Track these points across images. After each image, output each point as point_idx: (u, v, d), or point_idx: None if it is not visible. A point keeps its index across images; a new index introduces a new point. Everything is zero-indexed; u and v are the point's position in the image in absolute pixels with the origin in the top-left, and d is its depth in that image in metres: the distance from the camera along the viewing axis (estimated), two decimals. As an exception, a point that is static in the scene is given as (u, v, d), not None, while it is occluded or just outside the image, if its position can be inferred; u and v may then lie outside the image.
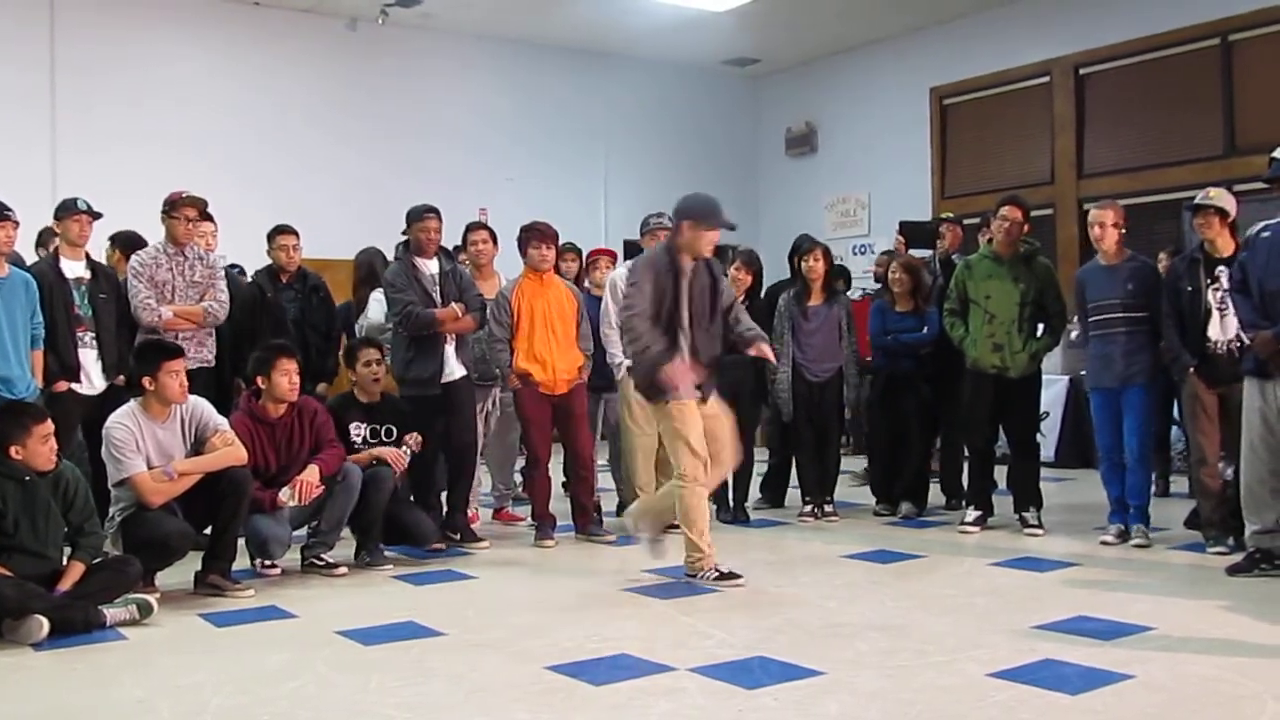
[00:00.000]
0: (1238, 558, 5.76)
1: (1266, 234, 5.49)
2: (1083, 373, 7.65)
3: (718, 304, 5.77)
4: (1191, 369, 6.15)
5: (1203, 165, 10.58)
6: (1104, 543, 6.48)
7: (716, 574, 5.60)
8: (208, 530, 5.56)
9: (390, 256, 7.08)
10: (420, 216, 6.70)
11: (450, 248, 7.12)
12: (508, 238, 7.33)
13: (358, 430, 6.35)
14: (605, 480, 7.81)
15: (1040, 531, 6.85)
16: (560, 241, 7.16)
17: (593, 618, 5.05)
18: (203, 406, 5.63)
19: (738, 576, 5.59)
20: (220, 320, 6.62)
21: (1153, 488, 7.02)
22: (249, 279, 7.57)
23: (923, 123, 13.35)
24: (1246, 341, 5.69)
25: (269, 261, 7.34)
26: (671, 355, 5.54)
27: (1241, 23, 10.65)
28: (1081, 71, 11.97)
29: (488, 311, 6.84)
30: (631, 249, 7.94)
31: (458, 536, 6.75)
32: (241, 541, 5.77)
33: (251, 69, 11.95)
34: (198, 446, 5.55)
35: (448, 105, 13.03)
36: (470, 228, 7.56)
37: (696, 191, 5.81)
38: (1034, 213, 7.34)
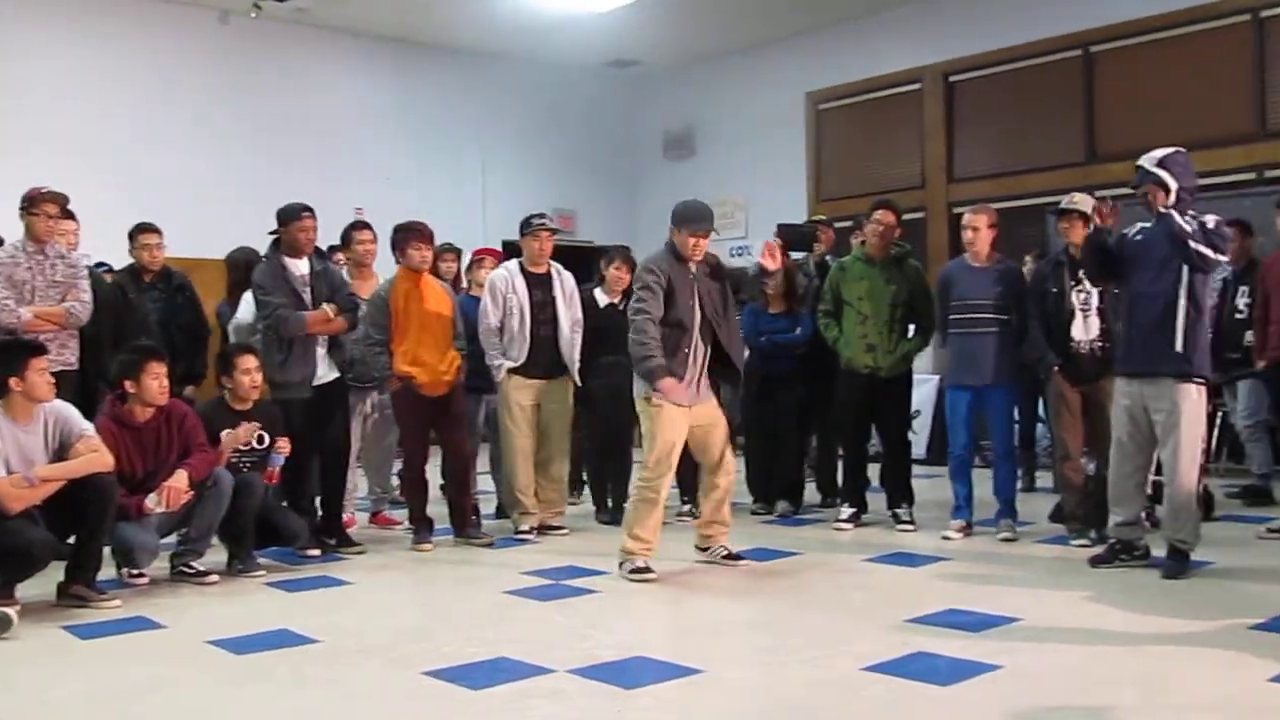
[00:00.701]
0: (1100, 549, 5.96)
1: (1139, 237, 5.68)
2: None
3: (729, 303, 5.98)
4: (1057, 368, 6.36)
5: (1065, 171, 10.91)
6: (946, 538, 6.65)
7: (633, 568, 5.73)
8: (71, 539, 5.36)
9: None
10: (297, 216, 6.56)
11: (325, 247, 7.01)
12: (384, 237, 7.24)
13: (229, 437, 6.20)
14: (485, 483, 7.77)
15: (912, 527, 7.00)
16: (436, 241, 7.09)
17: (471, 621, 5.02)
18: (67, 411, 5.44)
19: (649, 571, 5.71)
20: (83, 321, 6.41)
21: (1019, 483, 7.25)
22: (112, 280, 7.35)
23: (799, 127, 13.54)
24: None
25: (131, 261, 7.14)
26: (669, 369, 5.67)
27: (1101, 35, 11.03)
28: (951, 79, 12.27)
29: (361, 313, 6.74)
30: (511, 249, 7.90)
31: (333, 542, 6.64)
32: (107, 550, 5.58)
33: (119, 61, 11.57)
34: (61, 452, 5.35)
35: (323, 102, 12.80)
36: (355, 226, 7.44)
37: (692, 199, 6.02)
38: (905, 216, 7.50)
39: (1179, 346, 5.45)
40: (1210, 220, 5.41)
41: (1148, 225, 5.64)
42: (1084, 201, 6.38)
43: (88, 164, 10.51)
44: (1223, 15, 10.29)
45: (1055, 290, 6.38)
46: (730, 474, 6.04)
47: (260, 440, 6.22)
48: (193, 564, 5.87)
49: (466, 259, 8.19)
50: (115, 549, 5.65)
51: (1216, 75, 10.33)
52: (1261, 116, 10.12)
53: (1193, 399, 5.51)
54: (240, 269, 7.51)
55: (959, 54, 12.05)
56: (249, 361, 6.24)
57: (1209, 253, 5.36)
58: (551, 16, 12.37)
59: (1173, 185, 5.45)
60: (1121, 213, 5.81)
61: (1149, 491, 5.86)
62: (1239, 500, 7.70)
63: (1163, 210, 5.43)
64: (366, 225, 7.46)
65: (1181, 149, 5.61)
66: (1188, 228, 5.34)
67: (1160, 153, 5.54)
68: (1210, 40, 10.40)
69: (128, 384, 5.71)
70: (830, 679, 4.03)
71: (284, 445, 6.21)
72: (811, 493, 8.05)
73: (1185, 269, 5.43)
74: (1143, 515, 5.83)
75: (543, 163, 14.17)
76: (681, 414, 5.74)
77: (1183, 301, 5.45)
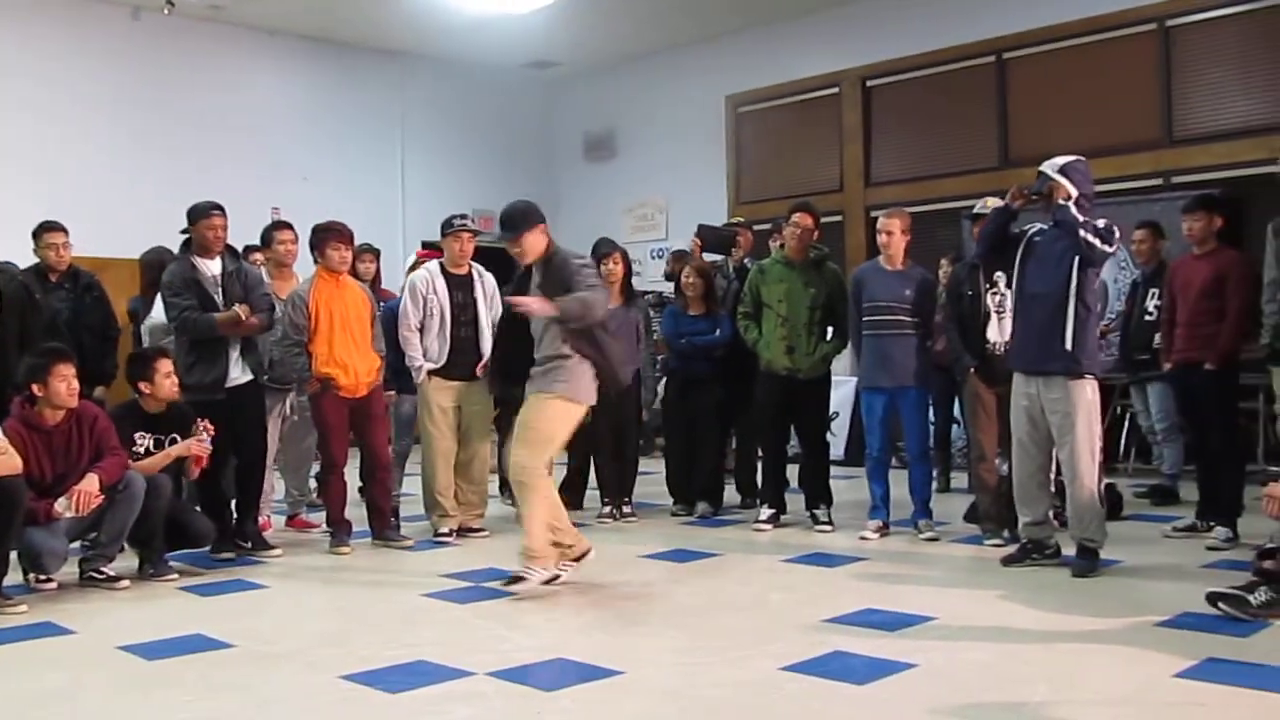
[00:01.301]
0: (1012, 549, 6.06)
1: (1039, 238, 5.81)
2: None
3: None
4: (972, 369, 6.47)
5: (979, 176, 11.08)
6: (863, 538, 6.73)
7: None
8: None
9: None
10: (205, 214, 6.45)
11: (241, 247, 6.91)
12: (303, 237, 7.15)
13: (142, 440, 6.08)
14: (410, 485, 7.74)
15: (830, 528, 7.06)
16: (355, 242, 7.02)
17: (389, 624, 4.98)
18: None
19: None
20: (-12, 322, 6.24)
21: (934, 483, 7.35)
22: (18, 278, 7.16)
23: (718, 129, 13.61)
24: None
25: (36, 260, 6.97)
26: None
27: (1014, 41, 11.24)
28: (869, 84, 12.42)
29: (278, 313, 6.65)
30: (431, 249, 7.85)
31: (248, 544, 6.54)
32: (14, 555, 5.44)
33: (28, 56, 11.27)
34: None
35: (238, 101, 12.60)
36: (276, 226, 7.35)
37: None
38: (823, 219, 7.58)
39: (1068, 345, 5.59)
40: (1101, 221, 5.60)
41: (1044, 228, 5.80)
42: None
43: (-7, 160, 10.26)
44: (1131, 24, 10.53)
45: (970, 293, 6.50)
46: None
47: (172, 443, 6.11)
48: (103, 569, 5.74)
49: (398, 259, 8.10)
50: (22, 554, 5.49)
51: (1125, 83, 10.57)
52: (1168, 124, 10.37)
53: (1087, 396, 5.63)
54: (154, 269, 7.35)
55: (876, 59, 12.19)
56: (167, 365, 6.14)
57: (1096, 242, 5.53)
58: (472, 17, 12.30)
59: (1073, 191, 5.61)
60: (1021, 218, 5.96)
61: (1053, 490, 5.97)
62: (1147, 500, 7.88)
63: (1061, 203, 5.58)
64: (287, 225, 7.37)
65: (1081, 157, 5.79)
66: (1080, 217, 5.53)
67: (1061, 160, 5.72)
68: (1119, 48, 10.64)
69: (35, 387, 5.56)
70: (749, 679, 4.06)
71: (207, 427, 6.11)
72: (731, 494, 8.10)
73: (1075, 269, 5.58)
74: (1051, 514, 5.94)
75: (463, 163, 14.10)
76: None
77: (1072, 300, 5.59)
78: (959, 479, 8.48)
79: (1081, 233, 5.51)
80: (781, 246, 7.37)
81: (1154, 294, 7.55)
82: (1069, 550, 5.81)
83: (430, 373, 6.94)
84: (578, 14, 12.37)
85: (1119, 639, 4.47)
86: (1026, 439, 5.81)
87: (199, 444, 6.07)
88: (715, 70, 13.49)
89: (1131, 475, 8.74)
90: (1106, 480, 5.96)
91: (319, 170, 12.87)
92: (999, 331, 6.42)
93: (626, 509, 7.66)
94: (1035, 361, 5.73)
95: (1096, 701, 3.77)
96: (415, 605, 5.34)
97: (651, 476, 8.42)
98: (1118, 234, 5.70)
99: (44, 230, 7.01)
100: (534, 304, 5.45)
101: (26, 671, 4.34)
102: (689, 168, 13.72)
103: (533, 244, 5.54)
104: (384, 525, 6.84)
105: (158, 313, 6.96)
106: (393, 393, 7.19)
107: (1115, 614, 4.84)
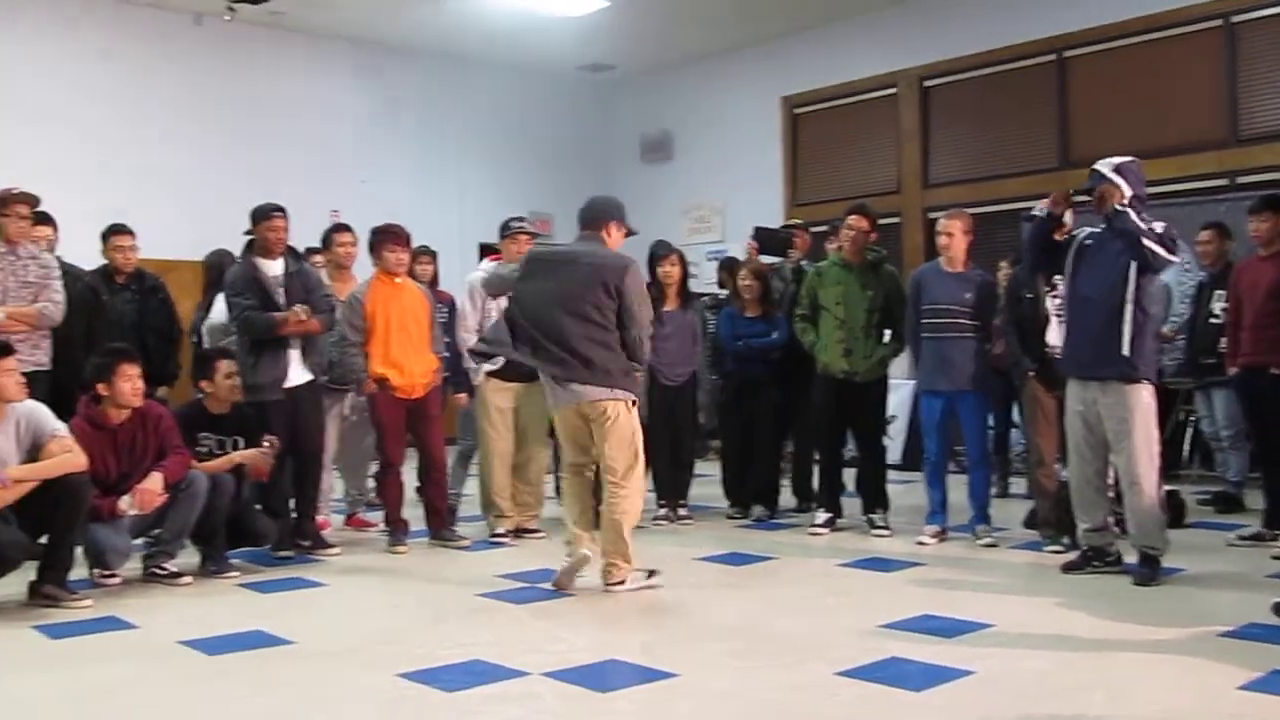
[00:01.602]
0: (1072, 556, 5.99)
1: (1089, 242, 5.73)
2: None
3: None
4: (1031, 373, 6.39)
5: (1039, 177, 10.93)
6: (920, 543, 6.67)
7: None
8: (43, 539, 5.33)
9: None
10: (266, 215, 6.55)
11: (303, 249, 6.99)
12: (361, 240, 7.23)
13: (205, 440, 6.18)
14: (469, 485, 7.78)
15: (887, 533, 7.02)
16: (413, 244, 7.08)
17: (445, 624, 5.01)
18: (39, 411, 5.40)
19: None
20: (56, 322, 6.37)
21: (992, 488, 7.28)
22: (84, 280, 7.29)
23: (775, 131, 13.58)
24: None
25: (104, 262, 7.10)
26: None
27: (1075, 40, 11.10)
28: (926, 84, 12.33)
29: (339, 314, 6.73)
30: (488, 252, 7.89)
31: (307, 543, 6.62)
32: (79, 551, 5.55)
33: (93, 64, 11.50)
34: (33, 453, 5.31)
35: (298, 105, 12.77)
36: (336, 229, 7.45)
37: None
38: (880, 221, 7.52)
39: (1125, 350, 5.49)
40: (1159, 226, 5.48)
41: (1096, 230, 5.70)
42: (1059, 206, 6.45)
43: (62, 164, 10.45)
44: (1195, 21, 10.37)
45: (1030, 296, 6.43)
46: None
47: (235, 445, 6.20)
48: (165, 565, 5.84)
49: (455, 262, 8.15)
50: (87, 550, 5.61)
51: (1189, 81, 10.42)
52: (1233, 123, 10.20)
53: (1143, 401, 5.55)
54: (214, 271, 7.48)
55: (934, 59, 12.10)
56: (229, 366, 6.24)
57: (1160, 250, 5.42)
58: (527, 20, 12.37)
59: (1127, 192, 5.51)
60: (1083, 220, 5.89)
61: (1111, 495, 5.88)
62: (1210, 507, 7.75)
63: (1118, 208, 5.48)
64: (347, 228, 7.45)
65: (1135, 159, 5.68)
66: (1142, 225, 5.41)
67: (1116, 160, 5.62)
68: (1183, 46, 10.49)
69: (100, 387, 5.68)
70: (805, 684, 4.04)
71: (274, 441, 6.21)
72: (787, 497, 8.06)
73: (1133, 273, 5.49)
74: (1111, 521, 5.85)
75: (519, 166, 14.16)
76: None
77: (1129, 305, 5.50)
78: (1017, 484, 8.39)
79: (1145, 242, 5.39)
80: (838, 249, 7.34)
81: (1219, 296, 7.42)
82: (1130, 558, 5.73)
83: (488, 374, 6.98)
84: (634, 17, 12.40)
85: (1180, 649, 4.40)
86: (1082, 444, 5.73)
87: (263, 455, 6.16)
88: (771, 72, 13.46)
89: (1195, 482, 8.60)
90: (1168, 487, 5.88)
91: (378, 173, 12.99)
92: (1059, 335, 6.33)
93: (682, 511, 7.66)
94: (1090, 367, 5.64)
95: (1156, 713, 3.71)
96: (471, 605, 5.38)
97: (706, 479, 8.41)
98: (1178, 238, 5.60)
99: (112, 233, 7.13)
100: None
101: (90, 665, 4.41)
102: (745, 170, 13.69)
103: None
104: (441, 525, 6.89)
105: (217, 313, 7.07)
106: (464, 395, 7.28)
107: (1177, 624, 4.76)
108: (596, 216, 5.70)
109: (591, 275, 5.45)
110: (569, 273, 5.49)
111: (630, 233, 5.77)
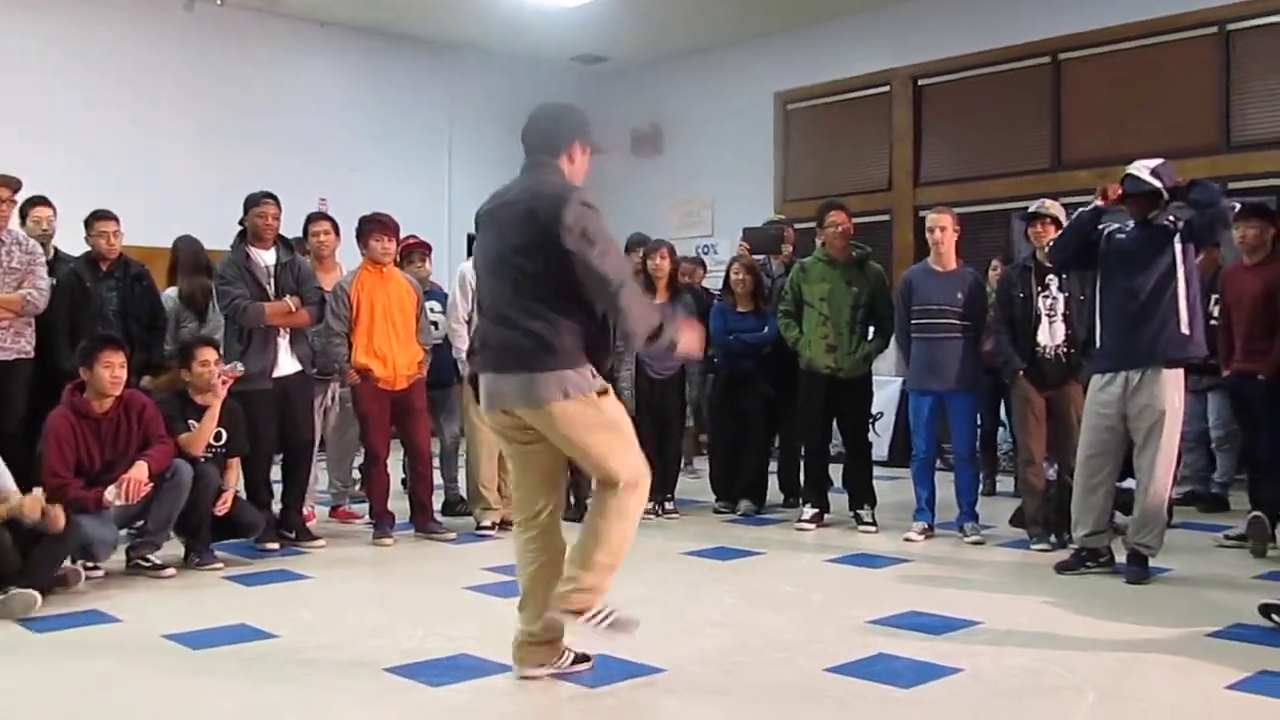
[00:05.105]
0: (1060, 554, 5.98)
1: (1121, 235, 5.72)
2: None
3: None
4: (1021, 372, 6.39)
5: (1031, 178, 10.94)
6: (907, 540, 6.67)
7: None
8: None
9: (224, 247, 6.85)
10: (257, 202, 6.51)
11: (292, 239, 6.94)
12: (350, 229, 7.17)
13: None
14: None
15: (874, 529, 7.01)
16: (400, 233, 7.04)
17: (431, 617, 4.98)
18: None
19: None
20: (40, 309, 6.32)
21: (980, 486, 7.27)
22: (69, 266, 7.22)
23: (767, 127, 13.52)
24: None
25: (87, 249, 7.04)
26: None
27: (1070, 43, 11.09)
28: (920, 83, 12.30)
29: (326, 304, 6.68)
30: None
31: (293, 535, 6.58)
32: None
33: (81, 44, 11.38)
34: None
35: (288, 92, 12.68)
36: (311, 218, 7.39)
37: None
38: (871, 219, 7.51)
39: (1184, 329, 5.50)
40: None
41: (1129, 226, 5.70)
42: (1055, 207, 6.45)
43: (45, 148, 10.31)
44: (1190, 27, 10.36)
45: (1022, 295, 6.42)
46: None
47: (218, 437, 6.15)
48: (149, 556, 5.79)
49: (443, 251, 8.10)
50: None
51: (1183, 86, 10.40)
52: (1226, 129, 10.20)
53: (1175, 406, 5.52)
54: (181, 255, 7.38)
55: (928, 58, 12.07)
56: (208, 354, 6.16)
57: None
58: (520, 10, 12.31)
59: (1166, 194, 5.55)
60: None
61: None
62: (1191, 506, 7.77)
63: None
64: (323, 216, 7.41)
65: (1165, 159, 5.71)
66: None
67: (1152, 162, 5.64)
68: (1177, 51, 10.47)
69: (82, 370, 5.62)
70: (793, 679, 4.03)
71: (234, 369, 6.20)
72: (774, 492, 8.05)
73: (1179, 256, 5.51)
74: (1109, 520, 5.84)
75: (509, 156, 13.86)
76: None
77: (1183, 286, 5.51)
78: (1004, 482, 8.39)
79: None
80: (824, 245, 7.31)
81: (1214, 299, 7.42)
82: (1121, 557, 5.73)
83: (477, 366, 6.91)
84: (627, 9, 12.35)
85: (1169, 648, 4.40)
86: (1098, 451, 5.67)
87: (229, 372, 6.12)
88: (765, 67, 13.41)
89: (1175, 482, 8.60)
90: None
91: (367, 161, 12.92)
92: (1050, 335, 6.35)
93: (669, 505, 7.64)
94: (1135, 357, 5.55)
95: (1145, 712, 3.71)
96: (457, 598, 5.35)
97: (695, 473, 8.39)
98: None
99: (95, 219, 7.07)
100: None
101: (74, 658, 4.38)
102: (736, 165, 13.64)
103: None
104: (426, 518, 6.85)
105: (171, 292, 7.11)
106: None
107: (1165, 623, 4.76)
108: (547, 138, 4.18)
109: (525, 218, 3.88)
110: (503, 220, 4.00)
111: (597, 151, 4.25)
